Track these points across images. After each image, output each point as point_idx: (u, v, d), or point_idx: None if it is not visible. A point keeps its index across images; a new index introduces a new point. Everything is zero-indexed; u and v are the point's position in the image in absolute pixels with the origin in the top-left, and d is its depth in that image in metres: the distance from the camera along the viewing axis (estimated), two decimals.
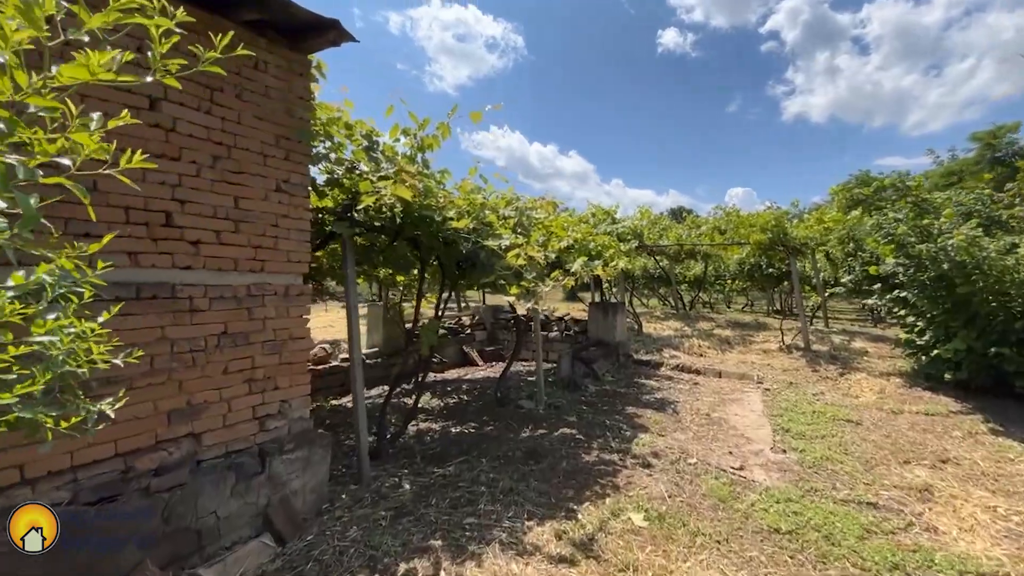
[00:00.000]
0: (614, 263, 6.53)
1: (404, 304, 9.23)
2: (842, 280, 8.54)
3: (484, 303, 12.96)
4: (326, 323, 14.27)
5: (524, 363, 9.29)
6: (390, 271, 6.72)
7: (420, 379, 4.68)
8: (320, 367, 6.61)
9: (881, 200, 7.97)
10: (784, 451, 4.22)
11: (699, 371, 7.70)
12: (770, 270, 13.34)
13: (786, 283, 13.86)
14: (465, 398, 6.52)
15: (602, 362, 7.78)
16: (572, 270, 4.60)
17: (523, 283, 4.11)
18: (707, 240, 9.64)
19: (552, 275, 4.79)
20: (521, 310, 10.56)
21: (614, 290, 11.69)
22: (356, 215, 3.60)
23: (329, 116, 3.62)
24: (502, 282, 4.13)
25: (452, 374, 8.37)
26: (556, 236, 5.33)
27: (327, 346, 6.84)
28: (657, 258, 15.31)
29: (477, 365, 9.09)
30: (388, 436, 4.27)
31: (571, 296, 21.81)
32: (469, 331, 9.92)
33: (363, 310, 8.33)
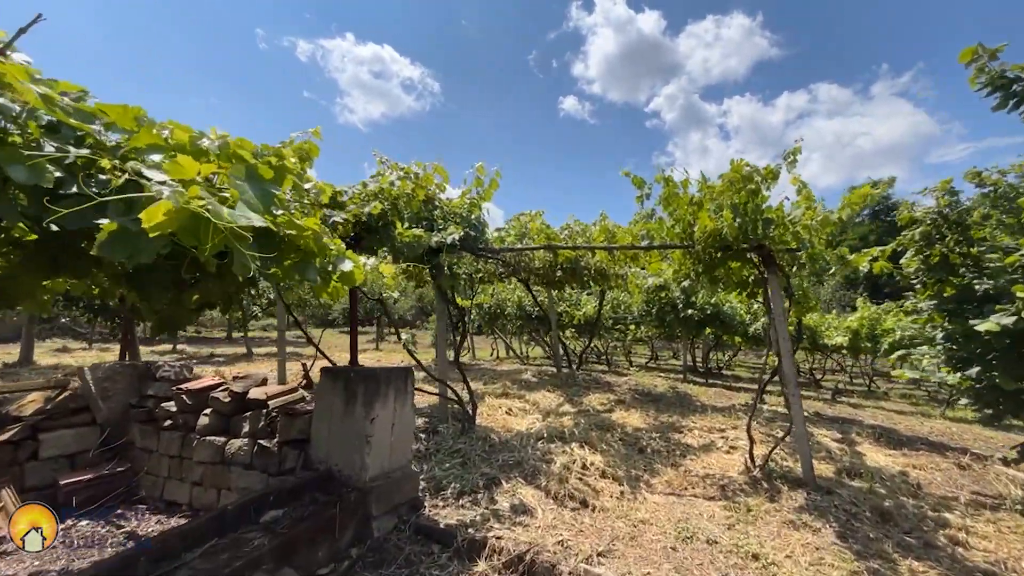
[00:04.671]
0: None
1: None
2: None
3: (131, 352, 6.66)
4: None
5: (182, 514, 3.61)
6: None
7: None
8: None
9: None
10: None
11: None
12: (689, 311, 9.33)
13: (708, 331, 9.96)
14: None
15: (294, 569, 2.39)
16: None
17: None
18: (600, 240, 4.99)
19: None
20: (210, 377, 4.84)
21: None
22: None
23: None
24: None
25: None
26: None
27: None
28: (533, 288, 10.68)
29: None
30: None
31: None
32: (24, 430, 3.93)
33: None
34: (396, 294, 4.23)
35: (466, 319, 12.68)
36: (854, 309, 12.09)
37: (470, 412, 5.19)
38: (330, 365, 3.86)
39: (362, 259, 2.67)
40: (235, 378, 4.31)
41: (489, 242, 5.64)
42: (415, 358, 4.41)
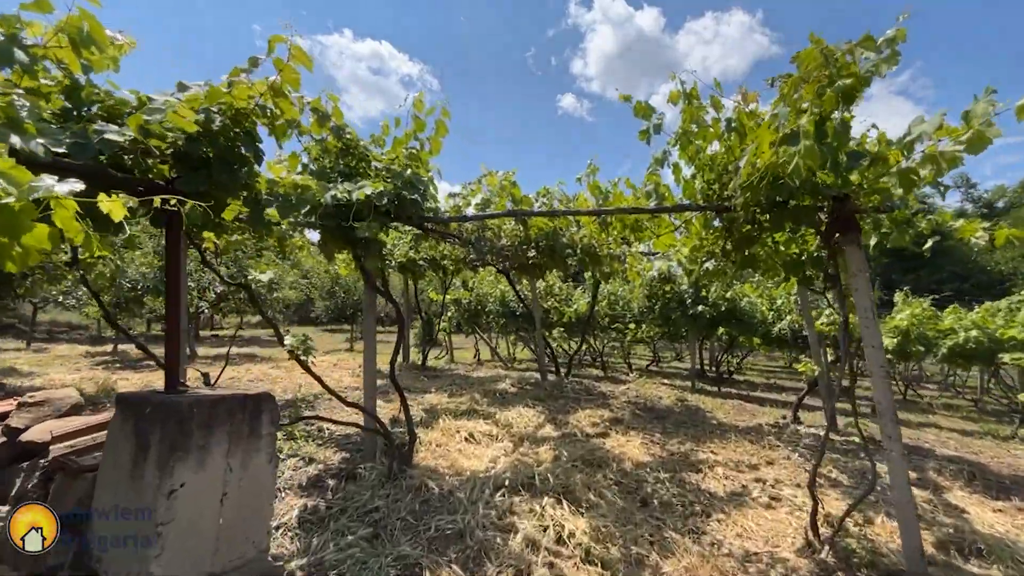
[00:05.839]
0: None
1: None
2: None
3: None
4: None
5: None
6: None
7: None
8: None
9: None
10: None
11: None
12: (699, 307, 7.91)
13: (722, 331, 8.53)
14: None
15: None
16: None
17: None
18: (589, 205, 3.55)
19: None
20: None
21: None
22: None
23: None
24: None
25: None
26: None
27: None
28: (519, 280, 9.29)
29: None
30: None
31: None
32: None
33: None
34: (267, 275, 2.80)
35: (443, 315, 11.25)
36: (885, 305, 10.68)
37: (404, 447, 3.75)
38: (128, 402, 2.41)
39: (47, 181, 1.25)
40: (20, 404, 2.84)
41: (440, 212, 4.20)
42: (311, 371, 2.98)
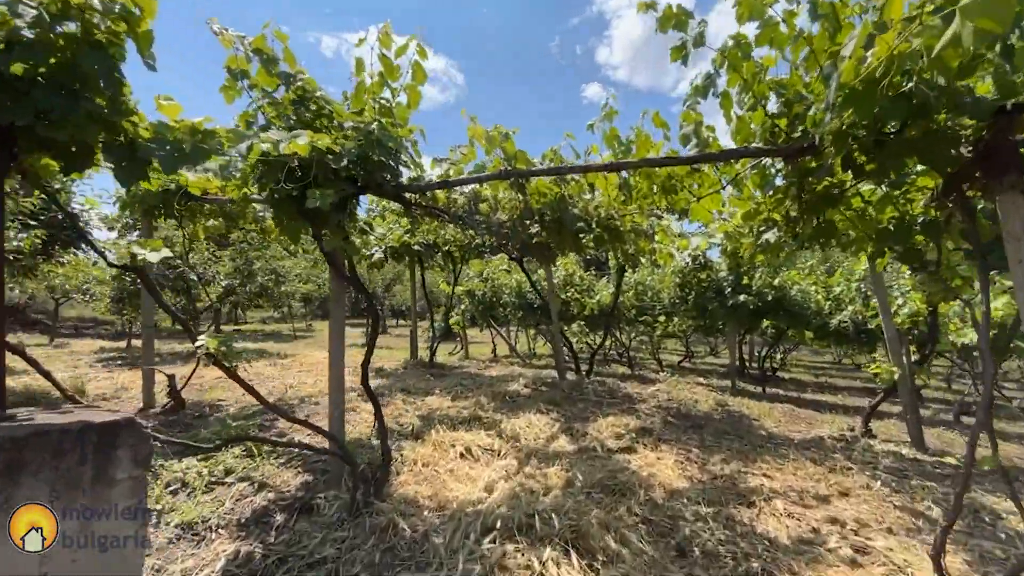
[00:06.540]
0: None
1: None
2: None
3: None
4: None
5: None
6: None
7: None
8: None
9: None
10: None
11: None
12: (741, 297, 6.91)
13: (767, 323, 7.51)
14: None
15: None
16: None
17: None
18: (608, 160, 2.71)
19: None
20: None
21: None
22: None
23: None
24: None
25: None
26: None
27: None
28: (537, 269, 8.53)
29: None
30: None
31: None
32: None
33: None
34: (158, 254, 2.16)
35: (452, 308, 10.56)
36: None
37: (380, 470, 3.03)
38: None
39: None
40: None
41: (424, 179, 3.43)
42: (237, 378, 2.30)
